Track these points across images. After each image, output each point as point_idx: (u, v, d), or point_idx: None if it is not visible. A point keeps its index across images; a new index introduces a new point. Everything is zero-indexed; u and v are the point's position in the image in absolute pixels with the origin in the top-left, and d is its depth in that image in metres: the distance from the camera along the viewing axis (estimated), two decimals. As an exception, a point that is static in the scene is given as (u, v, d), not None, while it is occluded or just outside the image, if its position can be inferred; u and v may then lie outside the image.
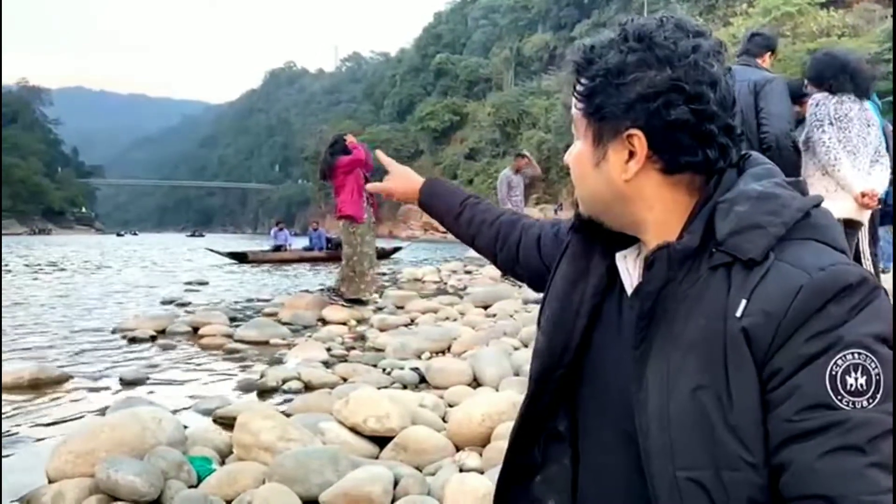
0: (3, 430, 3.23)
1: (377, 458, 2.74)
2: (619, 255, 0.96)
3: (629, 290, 0.93)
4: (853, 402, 0.72)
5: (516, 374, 4.00)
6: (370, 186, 1.53)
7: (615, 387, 0.90)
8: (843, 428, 0.72)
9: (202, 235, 76.83)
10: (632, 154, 0.86)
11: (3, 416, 3.46)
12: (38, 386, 4.07)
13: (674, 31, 0.85)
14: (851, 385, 0.73)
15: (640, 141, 0.85)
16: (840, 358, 0.73)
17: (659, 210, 0.88)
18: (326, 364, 4.73)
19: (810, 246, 0.79)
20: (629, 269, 0.95)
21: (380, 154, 1.61)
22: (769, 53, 4.19)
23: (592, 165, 0.90)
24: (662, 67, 0.83)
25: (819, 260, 0.77)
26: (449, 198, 1.39)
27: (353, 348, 5.33)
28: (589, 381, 0.96)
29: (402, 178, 1.45)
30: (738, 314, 0.77)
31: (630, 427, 0.85)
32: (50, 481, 2.48)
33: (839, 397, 0.73)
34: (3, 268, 15.22)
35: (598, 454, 0.94)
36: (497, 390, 3.73)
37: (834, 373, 0.73)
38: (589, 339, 0.97)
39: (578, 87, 0.90)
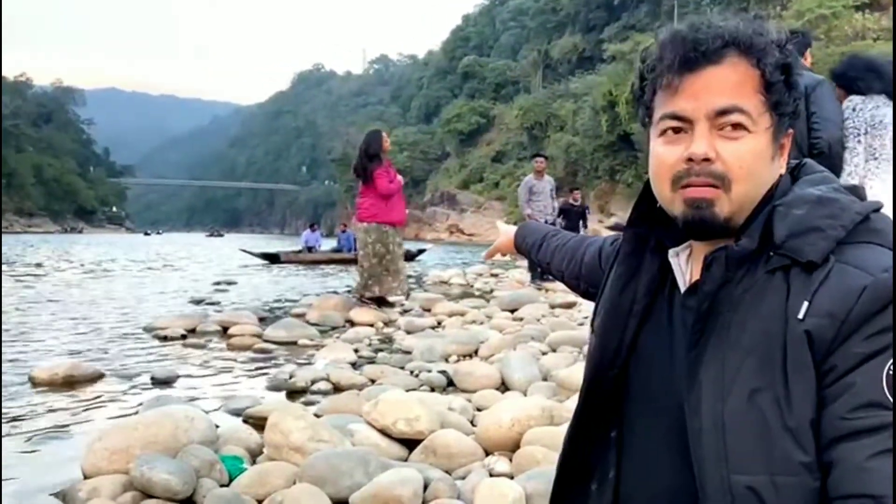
0: (38, 426, 3.30)
1: (406, 460, 2.75)
2: (671, 252, 0.95)
3: (682, 287, 0.92)
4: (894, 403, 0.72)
5: (545, 379, 3.98)
6: (488, 255, 1.83)
7: (665, 388, 0.90)
8: None
9: (221, 235, 77.11)
10: (781, 151, 0.90)
11: (31, 412, 3.53)
12: (72, 383, 4.14)
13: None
14: None
15: (789, 140, 0.89)
16: None
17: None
18: (354, 365, 4.75)
19: (871, 249, 0.79)
20: (682, 266, 0.94)
21: (499, 224, 1.82)
22: (808, 53, 4.13)
23: (770, 160, 0.87)
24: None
25: (881, 262, 0.77)
26: (534, 236, 1.55)
27: (381, 350, 5.35)
28: (637, 382, 0.96)
29: (504, 235, 1.68)
30: (801, 316, 0.76)
31: (680, 430, 0.84)
32: (85, 477, 2.52)
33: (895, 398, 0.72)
34: (24, 266, 15.51)
35: (645, 457, 0.93)
36: (525, 395, 3.72)
37: (892, 373, 0.73)
38: (638, 339, 0.97)
39: (769, 75, 0.85)
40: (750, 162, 0.85)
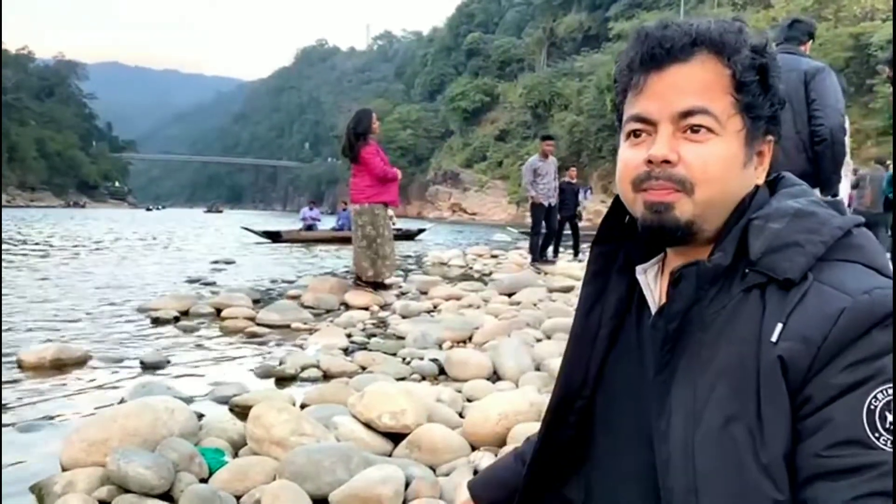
0: (23, 412, 3.26)
1: (391, 455, 2.70)
2: (639, 269, 0.88)
3: (653, 306, 0.86)
4: (892, 442, 0.65)
5: (537, 369, 3.93)
6: None
7: (634, 417, 0.84)
8: (878, 471, 0.65)
9: (220, 211, 76.53)
10: (759, 159, 0.83)
11: (17, 398, 3.49)
12: (60, 367, 4.10)
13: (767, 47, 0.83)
14: (891, 423, 0.66)
15: (770, 147, 0.83)
16: (880, 391, 0.66)
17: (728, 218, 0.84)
18: (346, 351, 4.70)
19: (851, 268, 0.72)
20: (650, 284, 0.87)
21: None
22: (809, 40, 4.04)
23: (741, 165, 0.80)
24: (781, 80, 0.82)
25: (861, 283, 0.70)
26: (502, 468, 1.15)
27: (374, 335, 5.30)
28: (604, 411, 0.90)
29: None
30: (774, 339, 0.70)
31: (649, 460, 0.78)
32: (63, 469, 2.48)
33: (876, 435, 0.66)
34: (34, 242, 15.50)
35: (612, 491, 0.87)
36: (517, 385, 3.67)
37: (872, 407, 0.66)
38: (605, 366, 0.90)
39: (740, 76, 0.78)
40: (715, 166, 0.79)
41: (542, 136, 11.55)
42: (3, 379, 3.82)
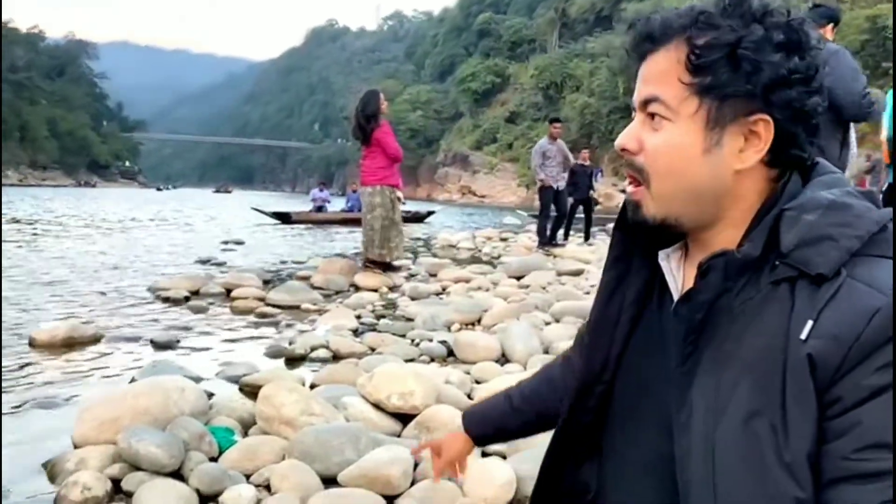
0: (35, 391, 3.29)
1: (399, 435, 2.71)
2: (661, 255, 0.87)
3: (675, 293, 0.84)
4: None
5: (546, 352, 3.93)
6: (436, 473, 1.39)
7: (653, 406, 0.83)
8: None
9: (229, 191, 76.21)
10: (747, 141, 0.77)
11: (29, 376, 3.52)
12: (71, 345, 4.13)
13: (790, 16, 0.77)
14: None
15: (767, 128, 0.76)
16: None
17: (744, 206, 0.79)
18: (356, 332, 4.72)
19: (886, 264, 0.70)
20: (673, 270, 0.86)
21: (416, 451, 1.54)
22: (832, 25, 3.99)
23: (699, 151, 0.78)
24: (799, 52, 0.76)
25: None
26: (492, 407, 1.25)
27: (383, 317, 5.31)
28: (623, 399, 0.88)
29: (449, 442, 1.33)
30: (803, 336, 0.68)
31: (666, 450, 0.77)
32: (75, 447, 2.50)
33: None
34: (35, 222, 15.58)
35: (628, 481, 0.86)
36: (525, 368, 3.67)
37: None
38: (626, 352, 0.89)
39: (695, 57, 0.76)
40: (664, 154, 0.79)
41: (550, 118, 11.49)
42: (16, 357, 3.86)
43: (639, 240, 0.89)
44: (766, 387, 0.69)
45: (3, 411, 2.99)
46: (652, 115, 0.80)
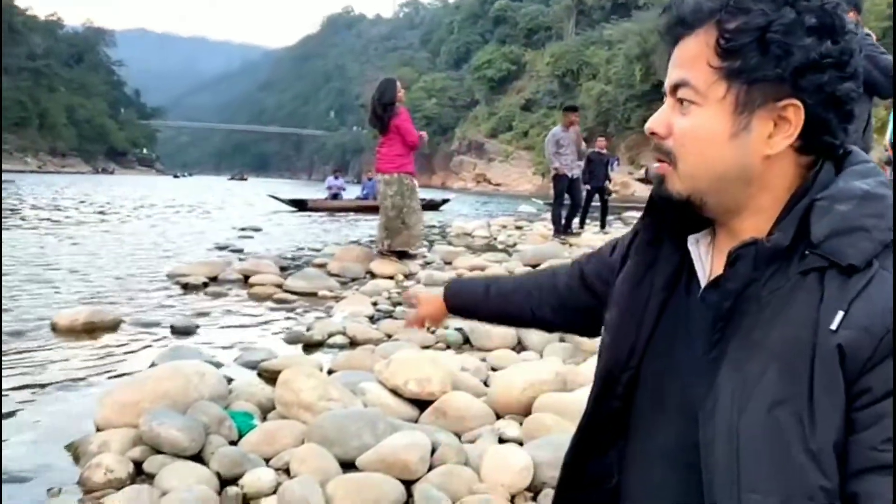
0: (57, 375, 3.34)
1: (416, 421, 2.73)
2: (691, 239, 0.87)
3: (703, 279, 0.84)
4: None
5: (562, 340, 3.93)
6: (407, 323, 1.51)
7: (679, 392, 0.83)
8: None
9: (244, 179, 76.07)
10: (776, 127, 0.76)
11: (51, 360, 3.57)
12: (92, 330, 4.19)
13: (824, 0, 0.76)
14: None
15: (797, 113, 0.75)
16: None
17: (774, 193, 0.79)
18: (372, 319, 4.74)
19: None
20: (701, 256, 0.86)
21: (407, 295, 1.62)
22: (853, 12, 3.94)
23: (727, 136, 0.77)
24: (832, 36, 0.74)
25: None
26: (471, 289, 1.36)
27: (399, 304, 5.32)
28: (649, 384, 0.88)
29: (428, 301, 1.42)
30: (834, 327, 0.68)
31: (690, 437, 0.77)
32: (98, 430, 2.54)
33: None
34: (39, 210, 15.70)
35: (650, 466, 0.86)
36: (541, 356, 3.68)
37: None
38: (653, 338, 0.88)
39: (724, 41, 0.76)
40: (691, 138, 0.79)
41: (564, 106, 11.39)
42: (38, 342, 3.92)
43: (669, 224, 0.88)
44: (793, 376, 0.69)
45: (27, 393, 3.05)
46: (681, 100, 0.80)
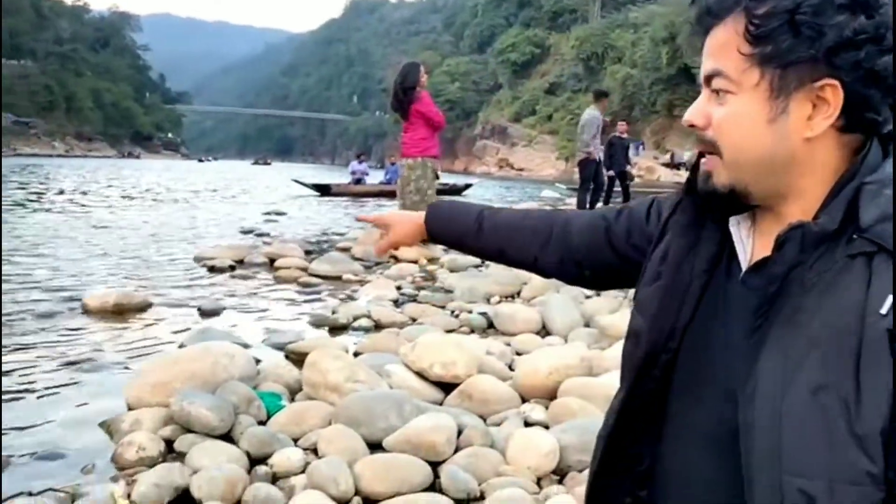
0: (88, 354, 3.40)
1: (441, 404, 2.75)
2: (732, 221, 0.86)
3: (743, 262, 0.83)
4: None
5: (586, 325, 3.93)
6: (380, 250, 1.32)
7: (717, 375, 0.82)
8: None
9: (268, 163, 76.24)
10: (815, 108, 0.75)
11: (82, 340, 3.64)
12: (121, 311, 4.25)
13: None
14: None
15: (835, 93, 0.74)
16: None
17: (819, 176, 0.78)
18: (396, 303, 4.77)
19: None
20: (742, 238, 0.85)
21: (363, 217, 1.44)
22: None
23: (765, 121, 0.76)
24: (866, 11, 0.73)
25: None
26: (461, 216, 1.21)
27: (423, 288, 5.35)
28: (686, 367, 0.87)
29: (401, 222, 1.27)
30: (884, 311, 0.67)
31: (729, 421, 0.77)
32: (130, 408, 2.59)
33: None
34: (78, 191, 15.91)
35: (686, 449, 0.85)
36: (566, 340, 3.68)
37: None
38: (692, 320, 0.87)
39: (753, 27, 0.75)
40: (730, 127, 0.79)
41: (597, 91, 11.28)
42: (70, 322, 4.00)
43: (710, 205, 0.87)
44: (839, 360, 0.69)
45: (60, 372, 3.11)
46: (717, 90, 0.79)
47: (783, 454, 0.70)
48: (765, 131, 0.77)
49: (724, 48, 0.78)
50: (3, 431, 2.45)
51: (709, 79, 0.80)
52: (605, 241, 1.07)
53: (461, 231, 1.20)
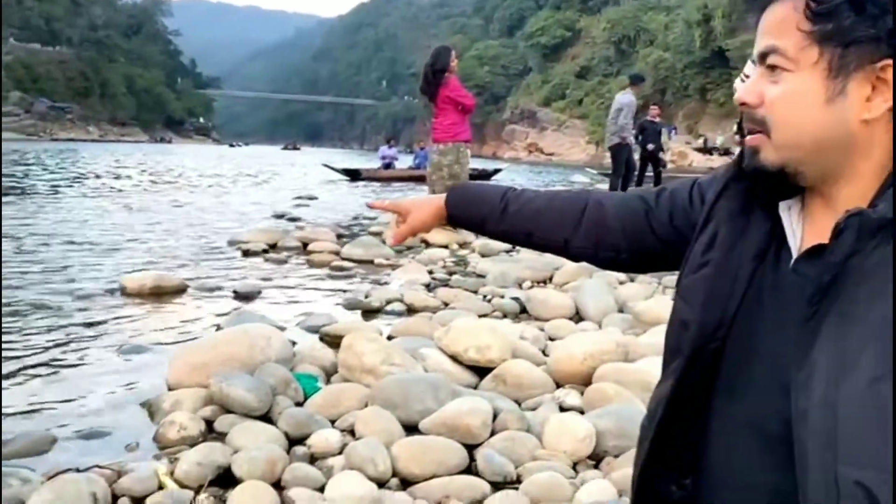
0: (127, 336, 3.47)
1: (476, 387, 2.75)
2: (783, 206, 0.84)
3: (794, 248, 0.82)
4: None
5: (620, 311, 3.90)
6: (397, 239, 1.27)
7: (766, 362, 0.80)
8: None
9: (297, 148, 76.56)
10: (874, 90, 0.73)
11: (121, 322, 3.71)
12: (159, 294, 4.32)
13: None
14: None
15: (889, 72, 0.73)
16: None
17: (875, 159, 0.76)
18: (428, 287, 4.78)
19: None
20: (792, 224, 0.83)
21: (375, 204, 1.39)
22: None
23: (822, 101, 0.75)
24: None
25: None
26: (484, 198, 1.16)
27: (454, 273, 5.35)
28: (733, 357, 0.85)
29: (419, 207, 1.22)
30: None
31: (778, 410, 0.75)
32: (170, 389, 2.64)
33: None
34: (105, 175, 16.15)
35: (734, 439, 0.84)
36: (600, 326, 3.66)
37: None
38: (740, 309, 0.85)
39: (814, 3, 0.73)
40: (784, 106, 0.77)
41: (638, 76, 11.14)
42: (108, 304, 4.08)
43: (759, 191, 0.86)
44: None
45: (102, 353, 3.18)
46: (772, 68, 0.78)
47: (839, 444, 0.68)
48: (821, 111, 0.75)
49: (782, 25, 0.76)
50: (48, 408, 2.53)
51: (763, 56, 0.78)
52: (646, 225, 1.04)
53: (484, 213, 1.15)
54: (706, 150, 37.27)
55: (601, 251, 1.09)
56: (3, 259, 5.26)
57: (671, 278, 4.64)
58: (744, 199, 0.87)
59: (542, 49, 70.89)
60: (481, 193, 1.18)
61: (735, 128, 25.71)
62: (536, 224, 1.12)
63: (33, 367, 2.94)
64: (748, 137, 0.81)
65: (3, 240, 6.09)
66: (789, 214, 0.84)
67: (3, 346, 3.16)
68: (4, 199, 10.02)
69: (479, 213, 1.16)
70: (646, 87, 41.20)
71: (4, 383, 2.72)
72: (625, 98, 10.07)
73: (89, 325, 3.62)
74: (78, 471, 1.99)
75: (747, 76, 6.96)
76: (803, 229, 0.82)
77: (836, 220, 0.73)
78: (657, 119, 12.08)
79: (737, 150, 0.88)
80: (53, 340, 3.32)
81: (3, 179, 13.79)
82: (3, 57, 68.80)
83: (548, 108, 64.97)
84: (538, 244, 1.15)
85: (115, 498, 1.88)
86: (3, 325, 3.49)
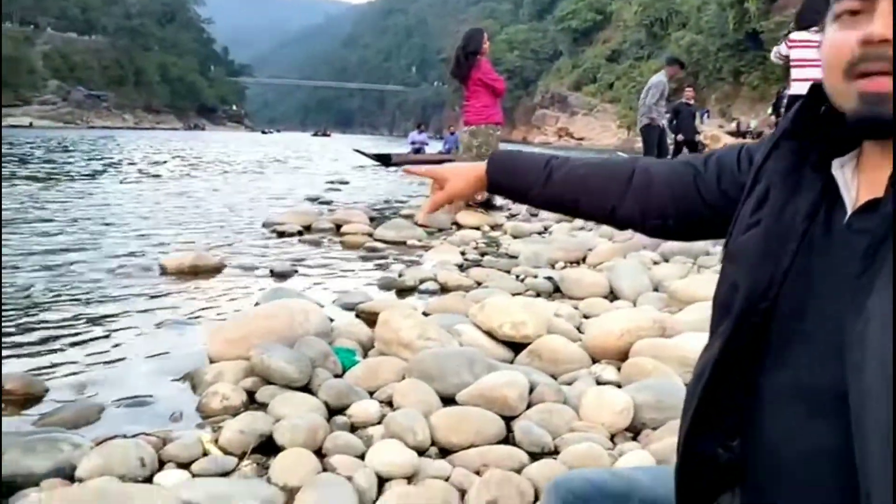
0: (168, 312, 3.54)
1: (511, 363, 2.77)
2: (836, 163, 0.81)
3: (849, 206, 0.79)
4: None
5: (655, 290, 3.88)
6: (423, 215, 1.32)
7: (817, 323, 0.78)
8: None
9: (328, 135, 76.66)
10: None
11: (162, 298, 3.78)
12: (197, 272, 4.40)
13: None
14: None
15: None
16: None
17: None
18: (461, 267, 4.79)
19: None
20: (847, 181, 0.80)
21: (411, 169, 1.40)
22: None
23: None
24: None
25: None
26: (528, 165, 1.14)
27: (486, 254, 5.36)
28: (784, 316, 0.83)
29: (457, 174, 1.22)
30: None
31: (831, 372, 0.74)
32: (211, 361, 2.69)
33: None
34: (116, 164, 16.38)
35: (783, 402, 0.82)
36: (634, 305, 3.65)
37: None
38: (792, 268, 0.83)
39: None
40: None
41: (675, 59, 10.99)
42: (150, 281, 4.16)
43: (812, 148, 0.84)
44: None
45: (145, 328, 3.25)
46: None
47: None
48: None
49: None
50: (95, 380, 2.60)
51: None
52: (694, 189, 1.03)
53: (528, 181, 1.13)
54: (739, 133, 36.59)
55: (648, 218, 1.07)
56: (44, 239, 5.41)
57: (706, 259, 4.60)
58: (795, 158, 0.85)
59: (573, 33, 70.19)
60: (525, 161, 1.17)
61: (770, 110, 25.23)
62: (583, 191, 1.11)
63: (80, 342, 3.02)
64: (877, 81, 0.73)
65: (44, 223, 6.26)
66: (842, 172, 0.81)
67: (52, 322, 3.27)
68: (46, 183, 10.27)
69: (522, 180, 1.14)
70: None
71: (52, 357, 2.81)
72: (655, 78, 9.95)
73: (131, 301, 3.70)
74: (125, 437, 2.04)
75: (787, 49, 6.80)
76: (858, 187, 0.80)
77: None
78: (692, 102, 11.91)
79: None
80: (97, 315, 3.40)
81: (45, 166, 14.12)
82: (41, 46, 70.02)
83: (578, 93, 64.36)
84: (584, 212, 1.13)
85: (161, 463, 1.93)
86: (51, 302, 3.60)
